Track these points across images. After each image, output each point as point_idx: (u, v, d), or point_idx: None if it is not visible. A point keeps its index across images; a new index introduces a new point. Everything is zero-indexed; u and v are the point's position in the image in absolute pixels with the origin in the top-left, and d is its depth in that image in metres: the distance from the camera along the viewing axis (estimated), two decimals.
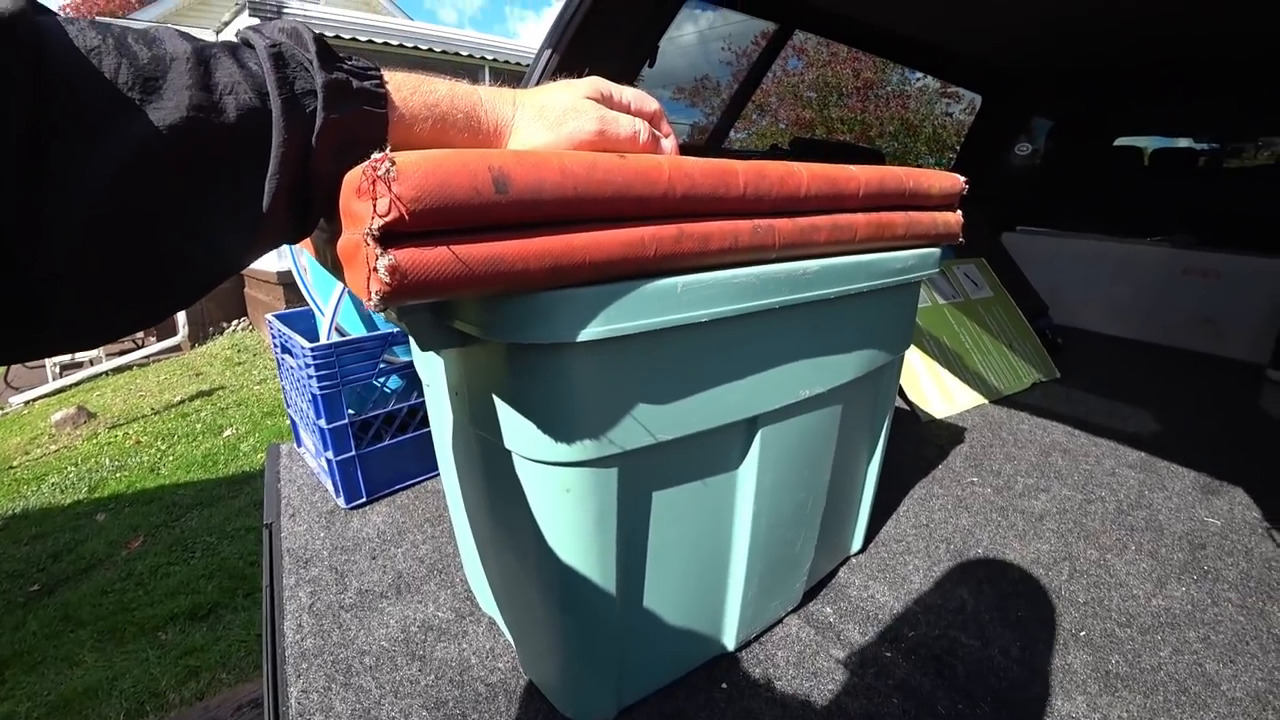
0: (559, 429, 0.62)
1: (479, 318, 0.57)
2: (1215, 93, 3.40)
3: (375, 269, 0.43)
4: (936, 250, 1.02)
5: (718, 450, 0.77)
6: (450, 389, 0.79)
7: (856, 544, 1.27)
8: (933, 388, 2.07)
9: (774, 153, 2.69)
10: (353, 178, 0.45)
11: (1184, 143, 4.27)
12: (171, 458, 4.03)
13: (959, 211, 1.06)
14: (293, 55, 0.44)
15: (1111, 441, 1.92)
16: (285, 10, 7.02)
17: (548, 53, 1.93)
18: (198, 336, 6.97)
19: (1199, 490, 1.64)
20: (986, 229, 3.34)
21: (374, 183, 0.43)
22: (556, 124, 0.59)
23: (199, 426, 4.49)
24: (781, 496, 0.89)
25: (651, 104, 0.67)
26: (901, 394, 2.03)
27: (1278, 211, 3.29)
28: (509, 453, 0.67)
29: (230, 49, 0.43)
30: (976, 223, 3.24)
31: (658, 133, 0.67)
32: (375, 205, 0.43)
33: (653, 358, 0.64)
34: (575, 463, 0.64)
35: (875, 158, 3.24)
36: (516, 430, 0.64)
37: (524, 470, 0.68)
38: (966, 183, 1.04)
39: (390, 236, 0.44)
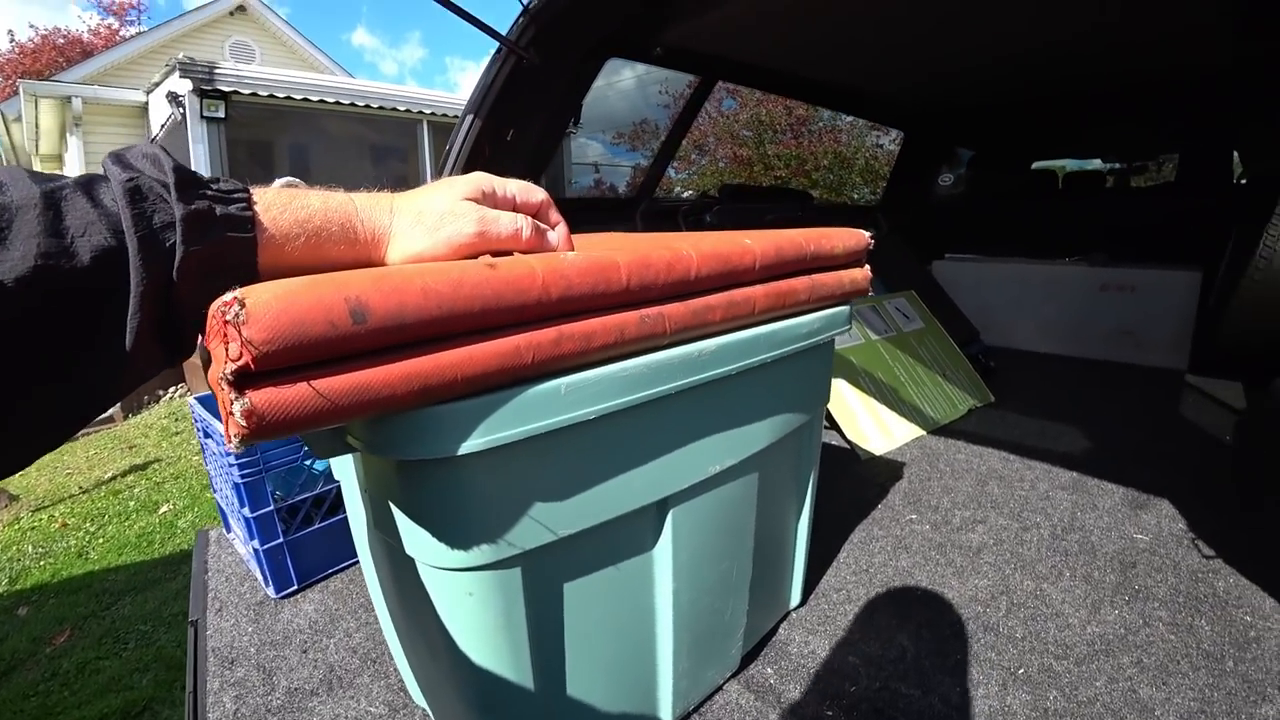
0: (454, 536, 0.61)
1: (363, 434, 0.56)
2: (1113, 119, 3.63)
3: (231, 413, 0.42)
4: (846, 308, 1.05)
5: (629, 535, 0.77)
6: (359, 486, 0.77)
7: (795, 599, 1.27)
8: (871, 425, 2.11)
9: (703, 201, 2.75)
10: (211, 315, 0.44)
11: (1095, 164, 4.52)
12: (101, 540, 3.83)
13: (866, 267, 1.09)
14: (150, 188, 0.43)
15: (1045, 464, 1.97)
16: (216, 71, 6.95)
17: (469, 118, 1.95)
18: (132, 406, 6.70)
19: (1128, 506, 1.69)
20: (916, 259, 3.47)
21: (224, 326, 0.42)
22: (434, 229, 0.58)
23: (132, 504, 4.28)
24: (702, 569, 0.88)
25: (537, 195, 0.68)
26: (840, 433, 2.06)
27: (1180, 225, 3.51)
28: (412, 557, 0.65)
29: (85, 186, 0.42)
30: (905, 254, 3.36)
31: (544, 225, 0.67)
32: (227, 349, 0.42)
33: (545, 459, 0.63)
34: (475, 567, 0.63)
35: (802, 199, 3.35)
36: (415, 537, 0.63)
37: (426, 575, 0.66)
38: (873, 238, 1.08)
39: (245, 378, 0.43)
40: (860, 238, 1.05)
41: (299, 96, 7.55)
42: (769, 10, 1.98)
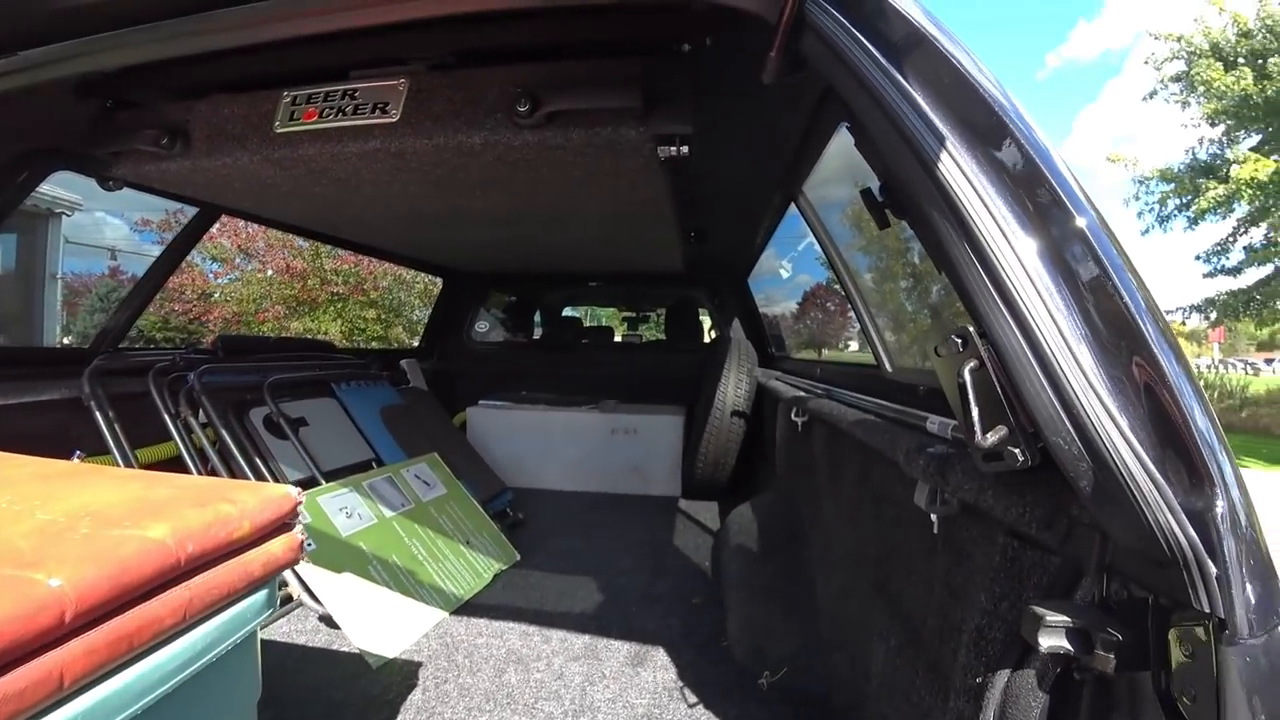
0: None
1: None
2: (615, 293, 4.39)
3: None
4: (261, 593, 0.84)
5: None
6: None
7: None
8: (384, 621, 1.89)
9: (190, 358, 2.27)
10: None
11: (607, 318, 5.33)
12: None
13: (298, 528, 0.91)
14: None
15: (561, 632, 2.01)
16: None
17: None
18: None
19: (631, 665, 1.80)
20: (446, 413, 3.51)
21: None
22: None
23: None
24: None
25: None
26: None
27: (669, 374, 4.31)
28: None
29: None
30: (433, 407, 3.34)
31: None
32: None
33: None
34: None
35: (323, 351, 3.09)
36: None
37: None
38: (299, 498, 0.90)
39: None
40: (281, 503, 0.87)
41: None
42: (260, 174, 1.77)
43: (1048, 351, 0.63)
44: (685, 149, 1.48)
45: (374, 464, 2.50)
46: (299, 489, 0.90)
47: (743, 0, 1.02)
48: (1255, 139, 10.82)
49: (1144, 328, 0.62)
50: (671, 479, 3.75)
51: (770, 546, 2.30)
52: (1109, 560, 0.67)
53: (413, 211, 2.21)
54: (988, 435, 0.70)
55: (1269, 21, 10.35)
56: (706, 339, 4.85)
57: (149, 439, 2.15)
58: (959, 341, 0.75)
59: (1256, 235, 10.97)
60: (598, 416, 3.80)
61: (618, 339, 5.32)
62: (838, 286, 2.42)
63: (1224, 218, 11.00)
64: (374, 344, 12.42)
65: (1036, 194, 0.71)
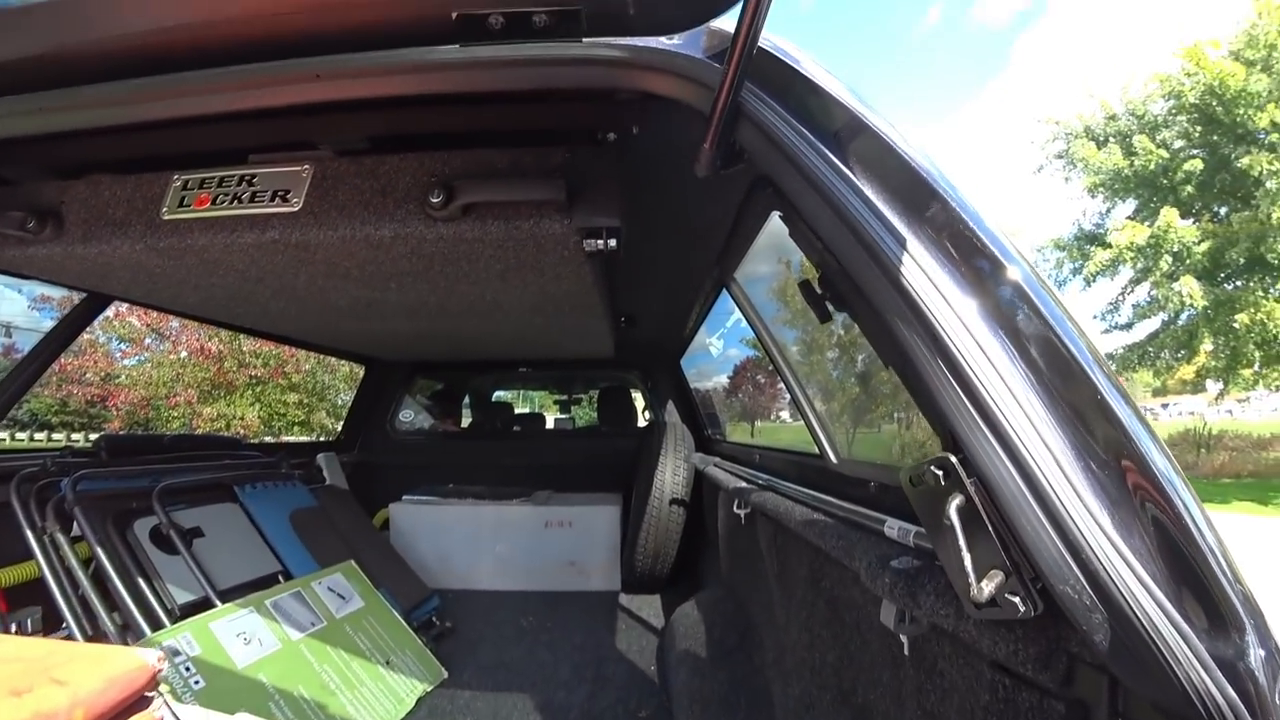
0: None
1: None
2: (547, 378, 4.28)
3: None
4: None
5: None
6: None
7: None
8: None
9: (65, 461, 2.01)
10: None
11: (537, 403, 5.20)
12: None
13: (157, 703, 0.74)
14: None
15: None
16: None
17: None
18: None
19: None
20: (365, 513, 3.29)
21: None
22: None
23: None
24: None
25: None
26: None
27: (604, 460, 4.18)
28: None
29: None
30: (351, 507, 3.10)
31: None
32: None
33: None
34: None
35: (226, 446, 2.84)
36: None
37: None
38: (159, 665, 0.74)
39: None
40: (132, 678, 0.70)
41: None
42: (145, 263, 1.60)
43: (1043, 482, 0.56)
44: (614, 242, 1.39)
45: (280, 577, 2.24)
46: (160, 653, 0.74)
47: (674, 90, 0.97)
48: (1131, 207, 12.29)
49: (1143, 449, 0.56)
50: (610, 572, 3.56)
51: (720, 651, 2.14)
52: (1124, 708, 0.59)
53: (325, 304, 2.07)
54: (983, 583, 0.61)
55: (1130, 106, 12.09)
56: (642, 422, 4.77)
57: (11, 556, 1.88)
58: (939, 474, 0.66)
59: (1141, 293, 12.26)
60: (530, 509, 3.61)
61: (550, 425, 5.16)
62: (773, 370, 2.39)
63: (1112, 279, 12.27)
64: (296, 429, 11.80)
65: (1000, 286, 0.66)
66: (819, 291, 1.26)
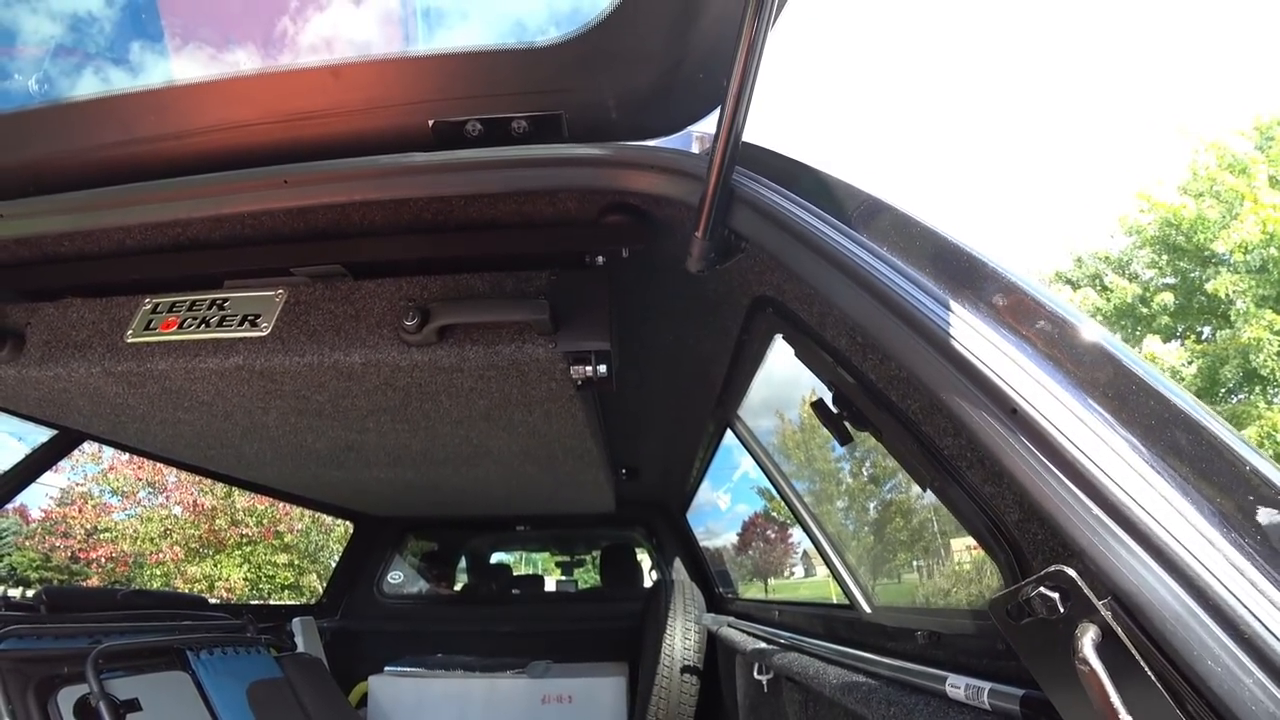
0: None
1: None
2: (541, 534, 4.06)
3: None
4: None
5: None
6: None
7: None
8: None
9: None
10: None
11: (540, 567, 4.91)
12: None
13: None
14: None
15: None
16: None
17: None
18: None
19: None
20: (350, 675, 2.95)
21: None
22: None
23: None
24: None
25: None
26: None
27: (608, 625, 3.82)
28: None
29: None
30: (322, 679, 2.76)
31: None
32: None
33: None
34: None
35: (187, 605, 2.59)
36: None
37: None
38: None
39: None
40: None
41: None
42: (104, 391, 1.51)
43: (1222, 594, 0.39)
44: (604, 368, 1.26)
45: None
46: None
47: (662, 186, 0.90)
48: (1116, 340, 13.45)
49: None
50: None
51: None
52: None
53: (300, 446, 1.95)
54: None
55: (1095, 253, 13.33)
56: (647, 582, 4.44)
57: None
58: (1054, 597, 0.48)
59: None
60: (526, 683, 3.23)
61: (550, 588, 4.83)
62: (788, 514, 2.19)
63: None
64: (285, 593, 11.20)
65: (1082, 350, 0.53)
66: (835, 411, 1.13)
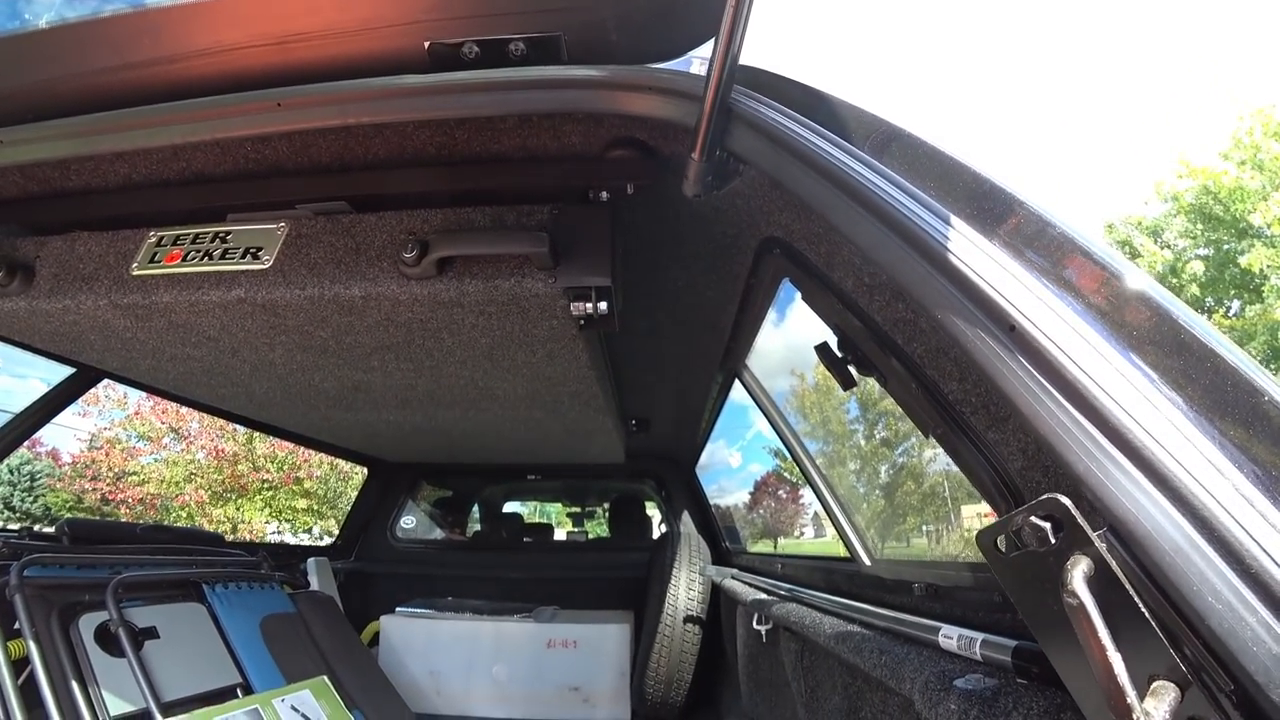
0: None
1: None
2: (554, 485, 4.10)
3: None
4: None
5: None
6: None
7: None
8: None
9: (19, 545, 1.84)
10: None
11: (551, 514, 4.98)
12: None
13: None
14: None
15: None
16: None
17: None
18: None
19: None
20: (363, 615, 3.04)
21: None
22: None
23: None
24: None
25: None
26: None
27: (614, 574, 3.89)
28: None
29: None
30: (334, 617, 2.84)
31: None
32: None
33: None
34: None
35: (205, 541, 2.65)
36: None
37: None
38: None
39: None
40: None
41: None
42: (111, 324, 1.53)
43: (1228, 524, 0.36)
44: (604, 305, 1.24)
45: (239, 691, 1.98)
46: None
47: (658, 108, 0.88)
48: None
49: None
50: (618, 700, 3.18)
51: None
52: None
53: (309, 386, 1.97)
54: (1146, 703, 0.38)
55: (1128, 218, 12.96)
56: (655, 535, 4.51)
57: None
58: (1044, 527, 0.45)
59: None
60: (532, 627, 3.30)
61: (560, 537, 4.90)
62: (794, 466, 2.19)
63: None
64: (303, 537, 11.52)
65: (1093, 278, 0.50)
66: (840, 355, 1.11)
